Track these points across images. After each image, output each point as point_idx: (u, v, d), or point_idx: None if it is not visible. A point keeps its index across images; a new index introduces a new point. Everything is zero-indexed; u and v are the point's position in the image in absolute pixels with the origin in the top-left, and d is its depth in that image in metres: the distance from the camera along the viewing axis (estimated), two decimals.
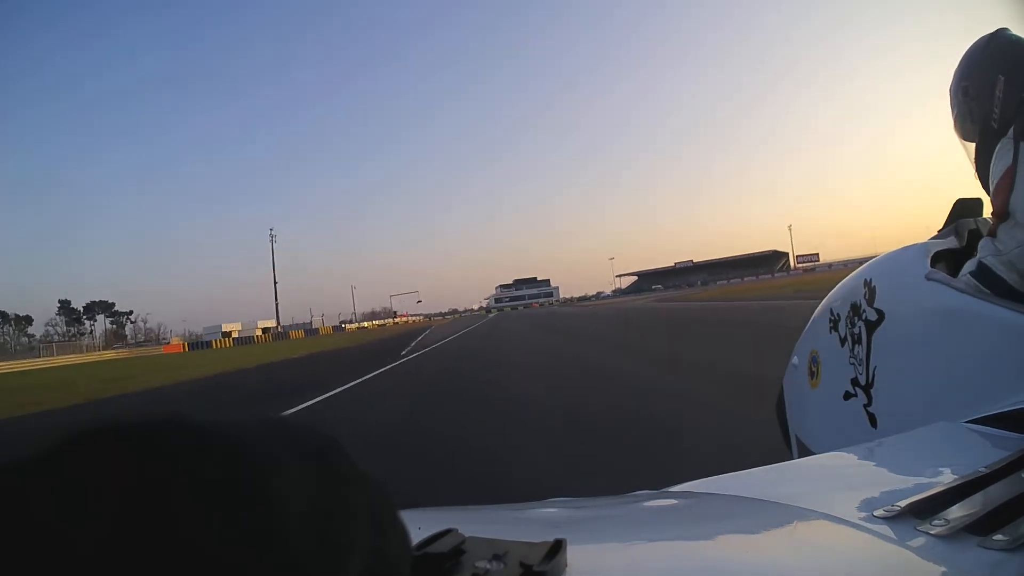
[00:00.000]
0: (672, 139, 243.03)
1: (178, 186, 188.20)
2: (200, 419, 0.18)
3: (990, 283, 0.89)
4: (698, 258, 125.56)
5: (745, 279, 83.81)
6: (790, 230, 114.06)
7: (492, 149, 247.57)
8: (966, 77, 1.03)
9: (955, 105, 1.07)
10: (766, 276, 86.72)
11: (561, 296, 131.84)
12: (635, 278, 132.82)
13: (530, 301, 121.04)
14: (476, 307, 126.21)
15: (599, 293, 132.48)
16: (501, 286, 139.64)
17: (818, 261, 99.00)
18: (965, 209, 1.11)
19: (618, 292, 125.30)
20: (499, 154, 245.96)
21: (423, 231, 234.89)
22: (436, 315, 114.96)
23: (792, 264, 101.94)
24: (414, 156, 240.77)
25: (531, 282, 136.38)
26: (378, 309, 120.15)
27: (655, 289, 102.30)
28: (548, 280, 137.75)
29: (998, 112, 0.97)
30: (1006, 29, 1.02)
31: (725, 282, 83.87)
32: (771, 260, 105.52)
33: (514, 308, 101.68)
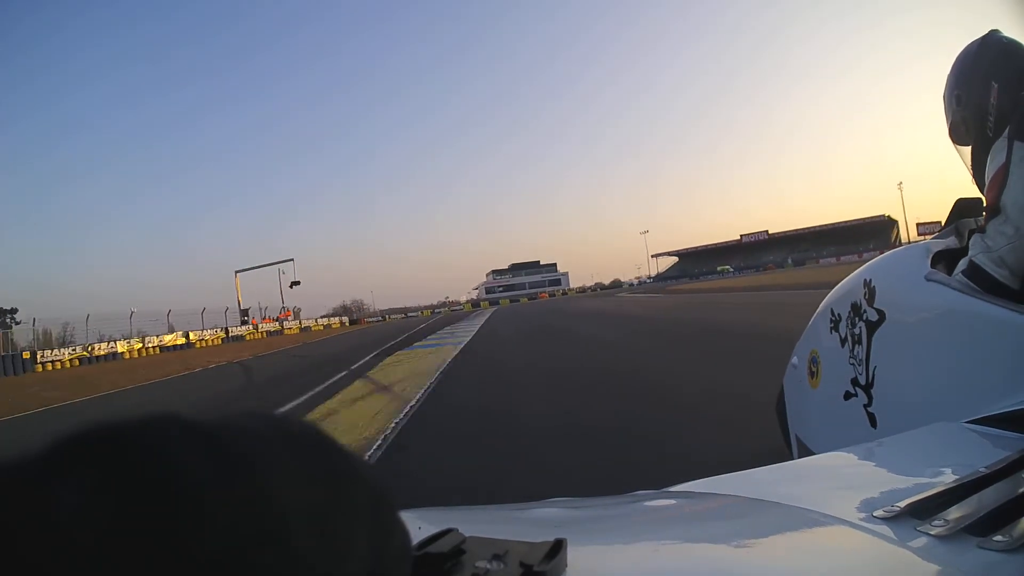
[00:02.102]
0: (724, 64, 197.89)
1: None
2: (199, 418, 0.18)
3: (981, 280, 0.89)
4: (775, 229, 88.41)
5: (841, 258, 59.18)
6: (901, 190, 72.89)
7: (493, 115, 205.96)
8: (958, 86, 1.04)
9: (949, 113, 1.07)
10: (872, 254, 51.66)
11: (571, 284, 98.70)
12: (675, 259, 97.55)
13: (534, 291, 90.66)
14: (464, 299, 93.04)
15: (639, 280, 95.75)
16: (494, 272, 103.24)
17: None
18: (965, 209, 1.11)
19: (651, 279, 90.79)
20: (500, 119, 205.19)
21: (403, 216, 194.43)
22: (400, 311, 79.59)
23: (907, 235, 69.80)
24: (391, 131, 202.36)
25: (532, 267, 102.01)
26: (349, 302, 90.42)
27: (722, 272, 75.17)
28: (555, 264, 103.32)
29: (993, 120, 0.97)
30: (997, 31, 1.02)
31: (834, 260, 60.10)
32: (881, 230, 71.60)
33: (513, 300, 76.11)
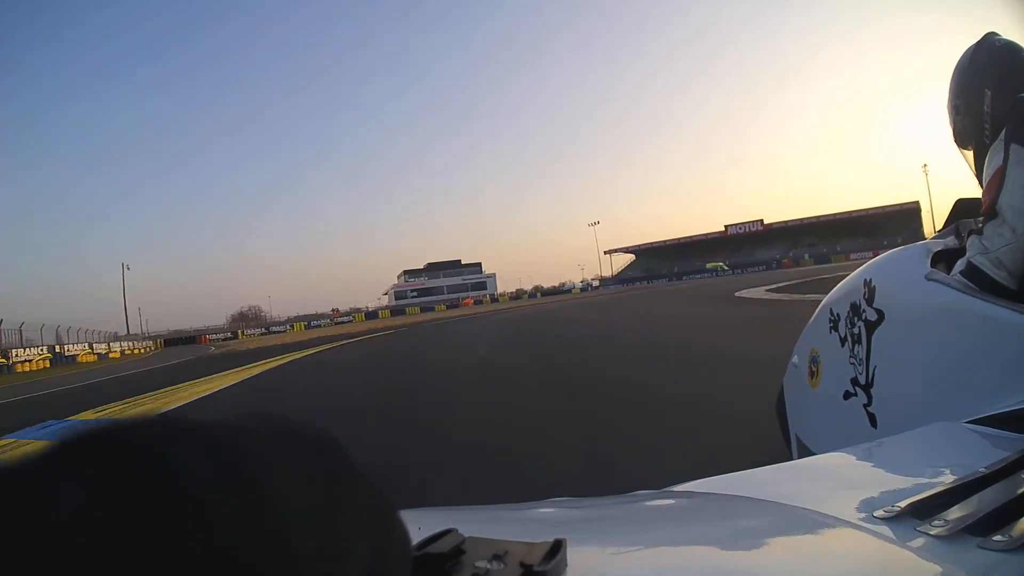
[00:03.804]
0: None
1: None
2: (199, 419, 0.18)
3: (979, 281, 0.89)
4: (772, 218, 70.95)
5: (851, 256, 48.33)
6: (926, 173, 55.62)
7: (409, 96, 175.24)
8: (956, 95, 1.05)
9: (951, 121, 1.09)
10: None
11: (498, 287, 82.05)
12: (632, 257, 78.94)
13: (454, 296, 74.23)
14: (371, 306, 78.42)
15: (589, 282, 79.46)
16: (407, 273, 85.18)
17: None
18: (965, 209, 1.11)
19: (610, 281, 74.83)
20: (415, 100, 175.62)
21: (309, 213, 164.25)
22: (304, 318, 66.38)
23: (933, 225, 46.11)
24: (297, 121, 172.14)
25: (452, 267, 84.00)
26: (246, 309, 79.35)
27: (714, 270, 61.13)
28: (479, 265, 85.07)
29: (988, 126, 0.98)
30: (993, 33, 1.02)
31: (868, 254, 30.14)
32: (911, 219, 57.82)
33: (426, 308, 62.09)
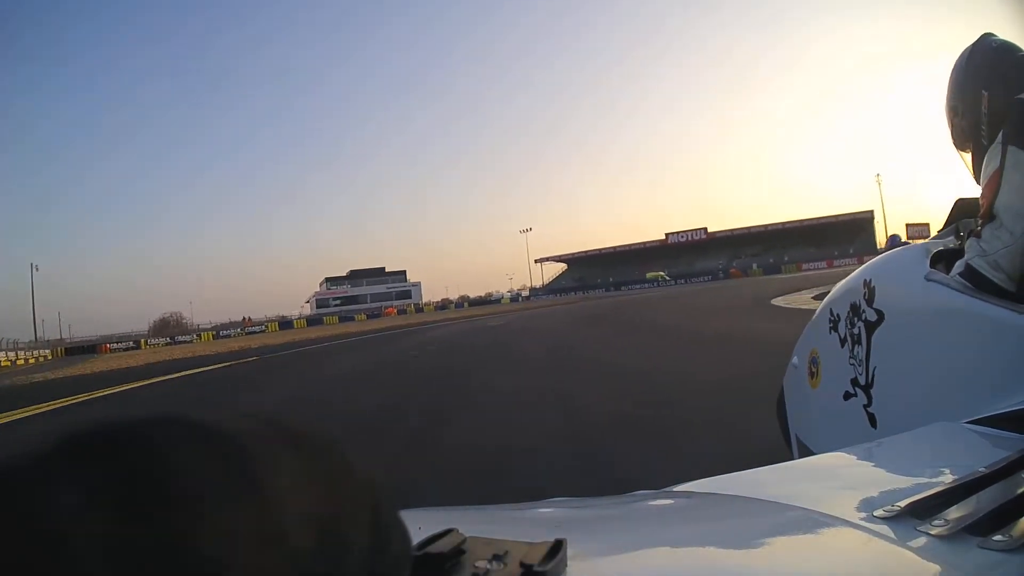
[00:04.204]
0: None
1: None
2: (200, 418, 0.18)
3: (977, 283, 0.89)
4: (717, 226, 67.49)
5: (834, 263, 43.73)
6: (879, 183, 52.99)
7: (331, 95, 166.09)
8: (954, 97, 1.06)
9: (949, 123, 1.09)
10: (845, 262, 40.76)
11: (423, 296, 78.73)
12: (564, 267, 75.84)
13: (377, 304, 70.93)
14: (294, 314, 71.77)
15: (518, 292, 74.85)
16: (329, 280, 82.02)
17: (929, 237, 35.19)
18: (965, 209, 1.11)
19: (540, 291, 70.79)
20: (338, 98, 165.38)
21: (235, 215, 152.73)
22: (228, 326, 60.25)
23: (885, 234, 50.00)
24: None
25: (376, 274, 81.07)
26: (167, 315, 73.82)
27: (655, 280, 58.00)
28: (403, 272, 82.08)
29: (985, 128, 0.98)
30: (989, 34, 1.02)
31: (823, 265, 44.29)
32: (865, 228, 56.05)
33: (345, 318, 57.61)
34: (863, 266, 1.22)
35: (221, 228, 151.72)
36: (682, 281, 55.95)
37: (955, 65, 1.06)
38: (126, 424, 0.17)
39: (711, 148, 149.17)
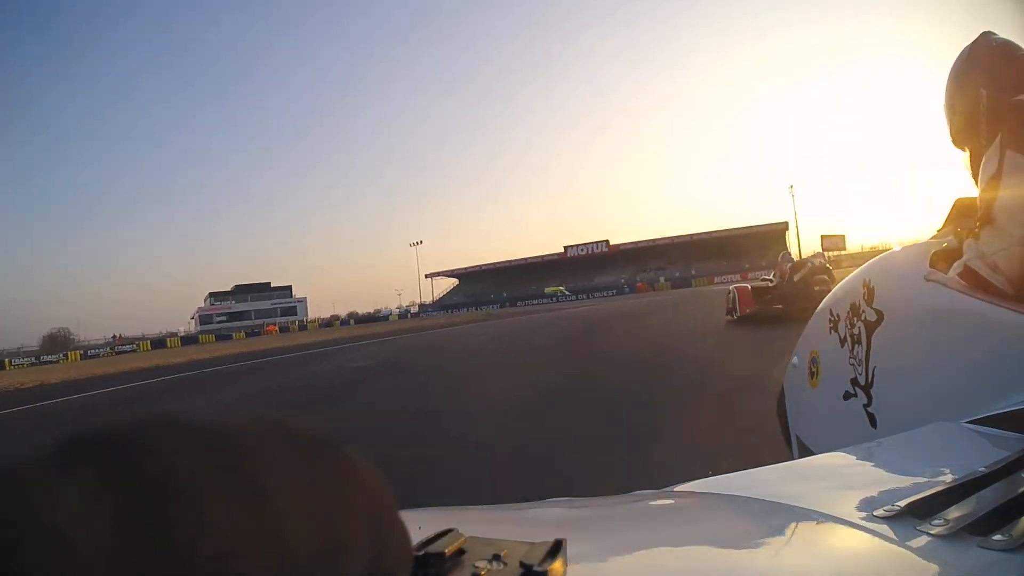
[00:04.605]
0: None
1: None
2: (199, 419, 0.18)
3: (975, 285, 0.89)
4: (620, 239, 63.98)
5: (749, 275, 37.44)
6: (792, 194, 52.37)
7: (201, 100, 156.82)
8: (952, 95, 1.06)
9: (947, 120, 1.09)
10: (760, 274, 25.92)
11: (309, 312, 76.53)
12: (455, 282, 73.48)
13: (261, 321, 68.86)
14: (182, 330, 70.09)
15: (407, 307, 72.53)
16: (213, 295, 78.99)
17: (843, 250, 49.70)
18: (964, 209, 1.11)
19: (430, 307, 67.49)
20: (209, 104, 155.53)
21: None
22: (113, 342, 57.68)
23: (799, 246, 49.24)
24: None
25: (261, 290, 78.62)
26: (55, 330, 68.35)
27: (554, 295, 55.21)
28: (289, 288, 79.96)
29: (984, 127, 0.98)
30: (990, 32, 1.02)
31: (737, 278, 38.52)
32: (775, 240, 54.27)
33: (223, 336, 55.19)
34: (863, 266, 1.22)
35: (108, 240, 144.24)
36: (583, 296, 52.50)
37: (954, 63, 1.06)
38: (126, 425, 0.17)
39: (613, 160, 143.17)
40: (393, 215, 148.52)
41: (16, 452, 0.15)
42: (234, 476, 0.17)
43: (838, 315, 1.20)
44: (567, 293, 56.13)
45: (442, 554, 0.30)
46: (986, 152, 0.94)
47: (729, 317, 10.49)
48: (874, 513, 0.44)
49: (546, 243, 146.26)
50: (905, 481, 0.55)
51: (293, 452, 0.19)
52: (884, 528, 0.42)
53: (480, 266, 72.72)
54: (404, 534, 0.23)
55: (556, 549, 0.31)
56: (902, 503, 0.44)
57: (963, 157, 1.07)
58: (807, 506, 0.48)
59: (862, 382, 1.05)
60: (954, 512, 0.42)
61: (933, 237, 1.14)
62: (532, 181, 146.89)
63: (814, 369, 1.31)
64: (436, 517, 0.50)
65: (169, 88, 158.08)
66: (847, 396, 1.09)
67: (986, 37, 1.02)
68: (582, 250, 65.34)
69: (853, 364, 1.09)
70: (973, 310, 0.84)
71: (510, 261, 70.28)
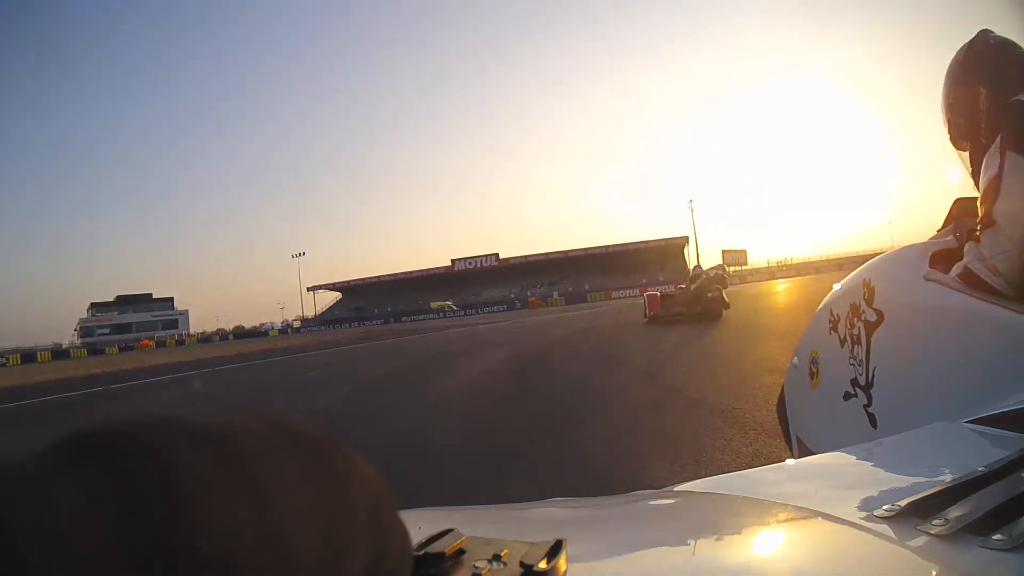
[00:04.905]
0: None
1: None
2: (199, 418, 0.18)
3: (975, 287, 0.89)
4: (510, 252, 64.84)
5: (648, 290, 17.90)
6: (691, 209, 54.03)
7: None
8: (951, 94, 1.05)
9: (945, 119, 1.08)
10: (659, 289, 17.43)
11: (191, 326, 73.43)
12: (339, 295, 71.44)
13: (141, 335, 65.24)
14: (66, 342, 66.88)
15: (287, 324, 69.14)
16: (95, 306, 75.04)
17: (745, 264, 53.54)
18: (964, 209, 1.11)
19: (312, 322, 64.87)
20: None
21: None
22: None
23: (695, 260, 48.94)
24: None
25: (142, 301, 75.55)
26: None
27: (441, 310, 53.29)
28: (171, 300, 77.13)
29: (984, 126, 0.98)
30: (987, 31, 1.02)
31: (635, 293, 38.80)
32: (674, 254, 55.58)
33: (95, 351, 50.70)
34: (862, 266, 1.22)
35: None
36: (472, 312, 50.36)
37: (952, 61, 1.05)
38: (126, 424, 0.17)
39: (506, 173, 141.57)
40: (277, 224, 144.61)
41: (16, 452, 0.15)
42: (235, 476, 0.17)
43: (838, 315, 1.20)
44: (454, 308, 54.11)
45: (442, 554, 0.30)
46: (986, 153, 0.94)
47: (644, 319, 13.19)
48: (874, 513, 0.44)
49: (437, 256, 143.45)
50: (905, 481, 0.55)
51: (293, 452, 0.19)
52: (884, 528, 0.42)
53: (364, 279, 70.10)
54: (404, 534, 0.23)
55: (556, 549, 0.31)
56: (902, 503, 0.44)
57: (963, 157, 1.07)
58: (807, 506, 0.48)
59: (862, 382, 1.05)
60: (954, 512, 0.42)
61: (933, 237, 1.14)
62: (422, 193, 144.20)
63: (814, 369, 1.31)
64: (436, 517, 0.50)
65: (36, 88, 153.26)
66: (847, 396, 1.09)
67: (984, 35, 1.02)
68: (471, 264, 63.54)
69: (853, 364, 1.09)
70: (973, 310, 0.84)
71: (395, 275, 68.01)
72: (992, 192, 0.90)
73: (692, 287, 12.47)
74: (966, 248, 0.95)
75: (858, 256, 63.29)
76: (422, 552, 0.30)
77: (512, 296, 55.68)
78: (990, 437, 0.64)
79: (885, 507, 0.44)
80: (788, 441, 1.45)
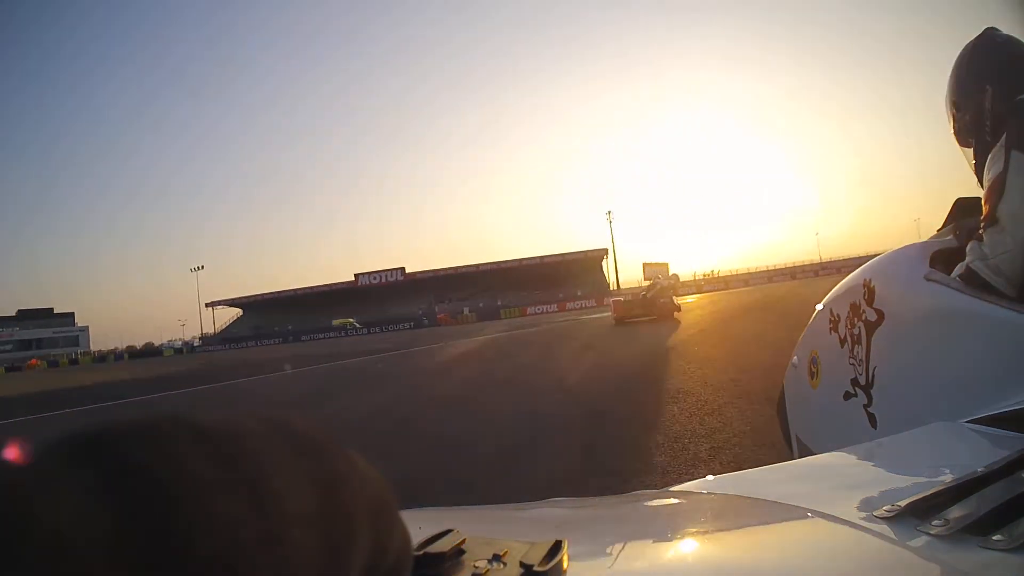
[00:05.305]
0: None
1: None
2: (200, 418, 0.18)
3: (977, 286, 0.89)
4: (418, 267, 62.20)
5: (568, 305, 43.03)
6: (610, 221, 52.29)
7: None
8: (955, 91, 1.05)
9: (950, 117, 1.08)
10: (579, 304, 41.97)
11: (91, 344, 68.21)
12: (240, 312, 66.55)
13: (39, 352, 62.19)
14: None
15: (188, 343, 65.34)
16: None
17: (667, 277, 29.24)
18: (965, 209, 1.11)
19: (213, 339, 61.21)
20: None
21: None
22: None
23: (615, 274, 50.96)
24: None
25: (43, 317, 70.43)
26: None
27: (343, 326, 49.98)
28: (72, 315, 71.14)
29: (989, 124, 0.98)
30: (993, 29, 1.02)
31: (553, 308, 42.69)
32: (593, 267, 54.32)
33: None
34: (862, 266, 1.22)
35: None
36: (376, 330, 46.25)
37: (958, 59, 1.05)
38: (127, 424, 0.17)
39: (414, 185, 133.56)
40: (179, 236, 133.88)
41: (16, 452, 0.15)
42: (235, 476, 0.17)
43: (838, 315, 1.20)
44: (357, 325, 50.50)
45: (442, 554, 0.30)
46: (990, 151, 0.94)
47: (612, 321, 16.17)
48: (874, 513, 0.44)
49: (342, 270, 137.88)
50: (905, 481, 0.55)
51: (294, 452, 0.19)
52: (884, 528, 0.42)
53: (265, 295, 65.85)
54: (404, 534, 0.23)
55: (556, 549, 0.31)
56: (902, 503, 0.44)
57: (967, 155, 1.07)
58: (807, 506, 0.48)
59: (862, 382, 1.05)
60: (954, 512, 0.42)
61: (933, 236, 1.14)
62: (328, 204, 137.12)
63: (814, 369, 1.31)
64: (436, 517, 0.50)
65: None
66: (847, 396, 1.09)
67: (990, 34, 1.02)
68: (375, 278, 59.64)
69: (853, 364, 1.09)
70: (973, 310, 0.84)
71: (297, 290, 64.25)
72: (996, 191, 0.90)
73: (649, 295, 16.05)
74: (968, 247, 0.95)
75: (785, 267, 62.05)
76: (422, 552, 0.30)
77: (420, 312, 51.89)
78: (990, 437, 0.64)
79: (885, 507, 0.44)
80: (788, 441, 1.45)
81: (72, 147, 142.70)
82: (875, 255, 1.22)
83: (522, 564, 0.30)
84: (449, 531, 0.32)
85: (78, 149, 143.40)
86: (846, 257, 57.16)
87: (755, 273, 60.07)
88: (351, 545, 0.19)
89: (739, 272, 61.85)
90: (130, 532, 0.14)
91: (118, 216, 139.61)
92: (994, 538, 0.38)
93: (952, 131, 1.10)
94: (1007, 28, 1.03)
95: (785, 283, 44.88)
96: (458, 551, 0.31)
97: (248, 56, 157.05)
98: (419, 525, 0.33)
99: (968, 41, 1.04)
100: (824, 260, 63.74)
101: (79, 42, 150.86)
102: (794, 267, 61.74)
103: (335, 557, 0.18)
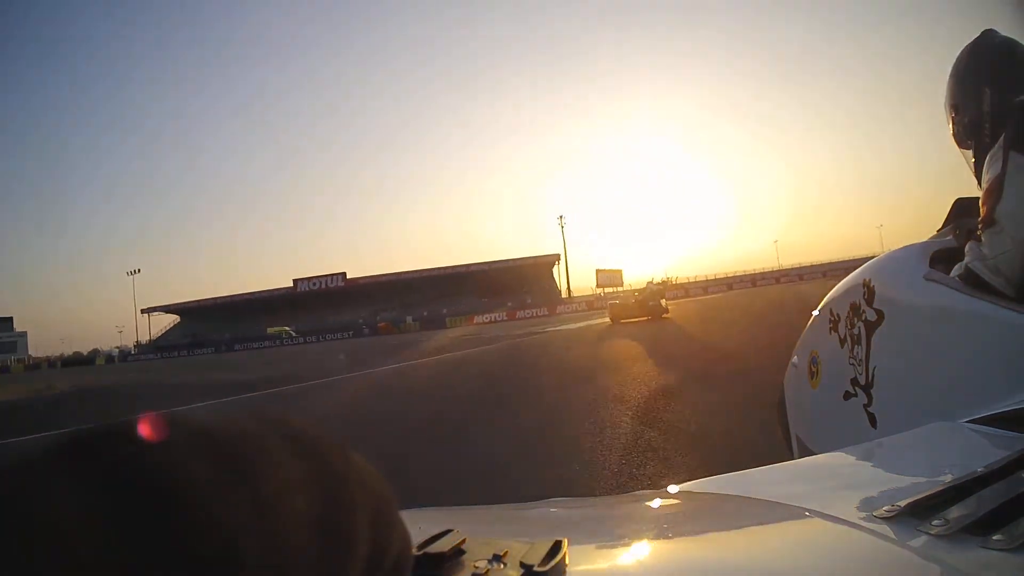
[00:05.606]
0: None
1: None
2: (201, 418, 0.18)
3: (976, 287, 0.89)
4: (359, 272, 60.32)
5: (518, 314, 40.91)
6: (562, 226, 51.75)
7: None
8: (954, 93, 1.05)
9: (948, 118, 1.09)
10: (531, 312, 40.54)
11: (30, 349, 63.60)
12: (177, 318, 63.29)
13: None
14: None
15: (124, 350, 62.36)
16: None
17: (620, 286, 45.49)
18: (964, 208, 1.11)
19: (148, 347, 58.54)
20: None
21: None
22: None
23: (567, 280, 50.14)
24: None
25: None
26: None
27: (278, 335, 48.51)
28: (11, 319, 64.77)
29: (988, 126, 0.98)
30: (992, 30, 1.02)
31: (503, 317, 40.92)
32: (545, 273, 52.53)
33: None
34: (862, 266, 1.22)
35: None
36: (312, 339, 44.34)
37: (956, 61, 1.05)
38: (127, 425, 0.17)
39: (359, 188, 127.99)
40: (116, 237, 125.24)
41: (16, 453, 0.15)
42: (235, 476, 0.17)
43: (838, 315, 1.20)
44: (292, 334, 48.49)
45: (442, 554, 0.30)
46: (989, 152, 0.94)
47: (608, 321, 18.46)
48: (874, 513, 0.44)
49: (281, 276, 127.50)
50: (905, 481, 0.55)
51: (293, 452, 0.19)
52: (884, 528, 0.42)
53: (202, 301, 62.53)
54: (404, 534, 0.23)
55: (556, 549, 0.31)
56: (902, 503, 0.44)
57: (967, 156, 1.07)
58: (807, 506, 0.48)
59: (862, 382, 1.05)
60: (954, 512, 0.42)
61: (933, 236, 1.14)
62: (268, 206, 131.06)
63: (814, 369, 1.31)
64: (436, 517, 0.50)
65: None
66: (847, 396, 1.09)
67: (988, 35, 1.02)
68: (315, 284, 56.36)
69: (853, 364, 1.09)
70: (973, 310, 0.84)
71: (235, 296, 60.91)
72: (994, 192, 0.90)
73: (640, 297, 18.55)
74: (967, 248, 0.95)
75: (745, 274, 60.71)
76: (422, 552, 0.30)
77: (360, 321, 49.60)
78: (990, 437, 0.64)
79: (885, 507, 0.44)
80: (788, 441, 1.45)
81: (3, 146, 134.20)
82: (839, 262, 1.23)
83: (522, 564, 0.30)
84: (449, 531, 0.32)
85: (10, 148, 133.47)
86: (806, 264, 56.82)
87: (713, 280, 57.88)
88: (351, 545, 0.19)
89: (697, 279, 59.31)
90: (130, 533, 0.14)
91: (57, 215, 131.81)
92: (994, 538, 0.38)
93: (951, 133, 1.10)
94: (1006, 29, 1.03)
95: (748, 290, 42.93)
96: (458, 551, 0.31)
97: (180, 54, 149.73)
98: (419, 525, 0.33)
99: (966, 43, 1.04)
100: (784, 267, 62.46)
101: (17, 41, 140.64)
102: (755, 274, 60.13)
103: (335, 557, 0.18)
